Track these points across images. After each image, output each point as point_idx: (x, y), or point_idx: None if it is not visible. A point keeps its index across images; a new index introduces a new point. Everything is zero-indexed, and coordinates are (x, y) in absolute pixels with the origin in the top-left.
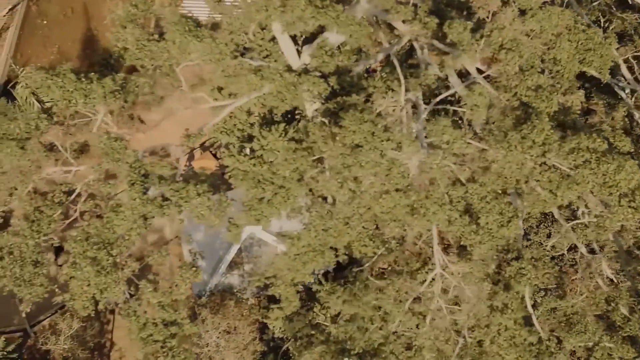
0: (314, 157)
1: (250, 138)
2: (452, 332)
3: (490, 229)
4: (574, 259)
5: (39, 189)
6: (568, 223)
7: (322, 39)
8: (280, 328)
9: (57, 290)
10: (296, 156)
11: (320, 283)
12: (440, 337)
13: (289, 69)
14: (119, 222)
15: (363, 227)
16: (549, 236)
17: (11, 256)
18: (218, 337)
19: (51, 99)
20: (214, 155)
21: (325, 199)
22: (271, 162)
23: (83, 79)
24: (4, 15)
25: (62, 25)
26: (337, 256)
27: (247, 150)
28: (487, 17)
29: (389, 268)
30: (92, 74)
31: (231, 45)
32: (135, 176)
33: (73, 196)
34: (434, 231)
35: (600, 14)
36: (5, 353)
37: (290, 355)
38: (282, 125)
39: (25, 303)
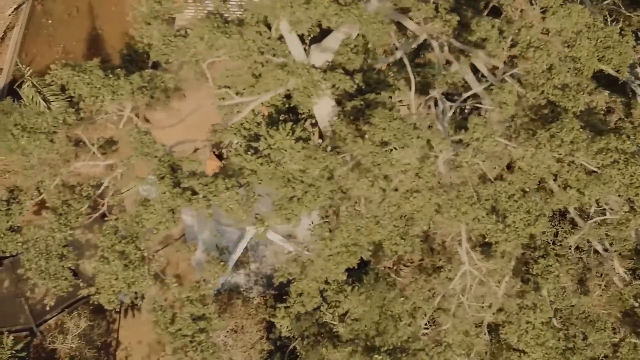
0: (343, 155)
1: (257, 137)
2: (482, 328)
3: (517, 228)
4: (580, 257)
5: (67, 183)
6: (585, 221)
7: (346, 36)
8: (287, 327)
9: (81, 284)
10: (326, 154)
11: (327, 282)
12: (471, 333)
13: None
14: (147, 215)
15: (394, 225)
16: (555, 235)
17: (37, 249)
18: (225, 336)
19: (78, 95)
20: (218, 157)
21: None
22: (278, 161)
23: (110, 75)
24: (9, 15)
25: (67, 25)
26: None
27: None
28: (515, 15)
29: (412, 265)
30: (119, 70)
31: (258, 42)
32: (164, 170)
33: (100, 190)
34: (463, 229)
35: (607, 13)
36: (14, 352)
37: (298, 354)
38: (290, 124)
39: (50, 296)
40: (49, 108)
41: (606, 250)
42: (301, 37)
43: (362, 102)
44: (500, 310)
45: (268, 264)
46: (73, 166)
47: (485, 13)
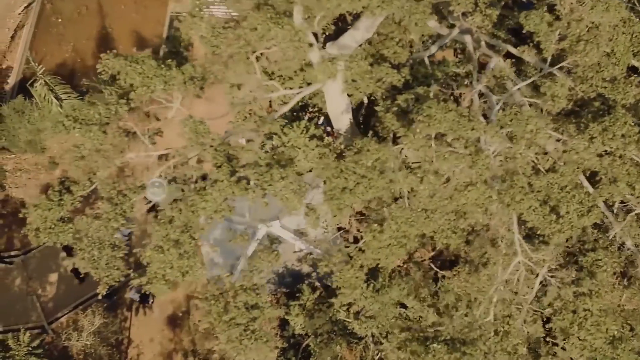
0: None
1: (270, 134)
2: (538, 316)
3: (571, 219)
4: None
5: (120, 173)
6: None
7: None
8: (300, 324)
9: (133, 274)
10: (379, 147)
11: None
12: (528, 321)
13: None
14: (203, 204)
15: (446, 219)
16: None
17: (90, 239)
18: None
19: (130, 85)
20: None
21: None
22: (291, 159)
23: (162, 66)
24: (19, 14)
25: (76, 23)
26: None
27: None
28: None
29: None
30: (169, 61)
31: (309, 33)
32: (221, 159)
33: (154, 179)
34: (514, 220)
35: None
36: (30, 348)
37: (311, 352)
38: (304, 122)
39: (102, 286)
40: (60, 106)
41: (636, 246)
42: (315, 35)
43: (412, 96)
44: (556, 298)
45: (279, 262)
46: (126, 157)
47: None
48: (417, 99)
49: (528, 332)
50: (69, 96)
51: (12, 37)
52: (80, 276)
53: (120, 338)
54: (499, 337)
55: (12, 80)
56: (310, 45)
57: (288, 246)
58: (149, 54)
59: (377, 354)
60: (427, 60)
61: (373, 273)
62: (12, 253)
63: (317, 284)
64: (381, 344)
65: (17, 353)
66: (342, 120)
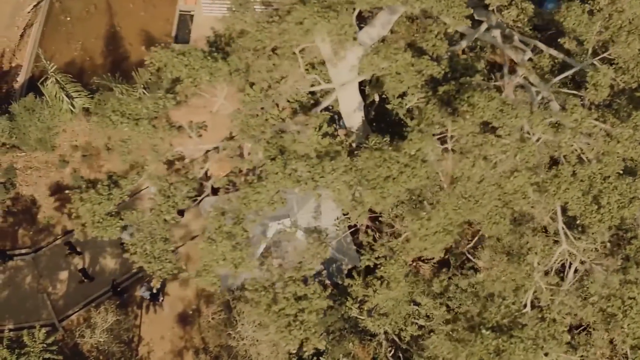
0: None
1: (281, 132)
2: (586, 303)
3: (611, 209)
4: None
5: (170, 166)
6: None
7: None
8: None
9: (183, 266)
10: (422, 135)
11: (352, 277)
12: (575, 308)
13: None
14: (255, 197)
15: (493, 205)
16: None
17: (141, 233)
18: (254, 331)
19: (176, 78)
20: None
21: None
22: (305, 156)
23: (209, 58)
24: (28, 12)
25: (85, 22)
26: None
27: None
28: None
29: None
30: (215, 53)
31: (354, 27)
32: (274, 151)
33: (203, 172)
34: (558, 209)
35: None
36: (44, 345)
37: (324, 349)
38: (317, 119)
39: (156, 279)
40: (72, 105)
41: None
42: None
43: (454, 87)
44: (603, 286)
45: (290, 260)
46: (176, 150)
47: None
48: (458, 90)
49: (572, 319)
50: (79, 94)
51: (21, 36)
52: (89, 276)
53: (131, 336)
54: (546, 324)
55: (21, 79)
56: (355, 39)
57: (299, 244)
58: (195, 47)
59: (390, 352)
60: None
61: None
62: (23, 251)
63: (327, 282)
64: (394, 341)
65: (32, 350)
66: (354, 118)
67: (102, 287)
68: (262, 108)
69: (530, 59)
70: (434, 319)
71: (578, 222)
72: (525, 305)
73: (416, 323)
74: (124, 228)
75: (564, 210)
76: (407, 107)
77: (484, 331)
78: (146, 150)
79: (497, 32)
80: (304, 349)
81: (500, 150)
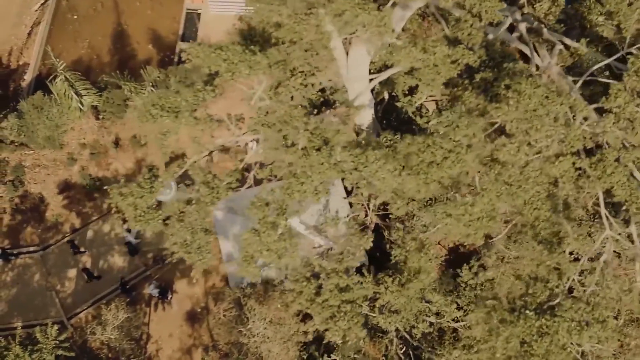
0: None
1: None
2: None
3: None
4: None
5: (213, 158)
6: None
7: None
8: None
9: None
10: (469, 121)
11: (362, 275)
12: (621, 293)
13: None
14: (298, 187)
15: (536, 190)
16: None
17: (181, 223)
18: (265, 328)
19: (215, 72)
20: None
21: None
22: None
23: (247, 51)
24: (36, 10)
25: (92, 20)
26: None
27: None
28: None
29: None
30: (252, 46)
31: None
32: (318, 142)
33: (244, 163)
34: (600, 195)
35: None
36: (57, 342)
37: (334, 345)
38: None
39: (196, 270)
40: (81, 102)
41: None
42: None
43: (491, 74)
44: None
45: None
46: (218, 141)
47: None
48: (496, 78)
49: (618, 304)
50: (88, 92)
51: (29, 34)
52: (93, 276)
53: (140, 333)
54: (590, 307)
55: (28, 77)
56: (393, 30)
57: (307, 242)
58: (233, 41)
59: (401, 349)
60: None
61: (396, 267)
62: (31, 248)
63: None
64: (405, 338)
65: (44, 346)
66: (364, 115)
67: (111, 285)
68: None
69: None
70: (444, 316)
71: (624, 207)
72: (569, 290)
73: (427, 320)
74: (128, 231)
75: (608, 196)
76: (416, 105)
77: (527, 312)
78: (186, 143)
79: (522, 26)
80: (347, 339)
81: (545, 136)
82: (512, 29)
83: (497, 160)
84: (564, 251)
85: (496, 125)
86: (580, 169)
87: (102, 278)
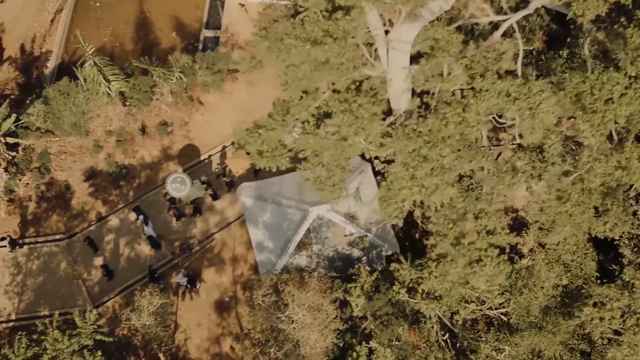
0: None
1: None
2: None
3: None
4: None
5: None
6: None
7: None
8: (361, 306)
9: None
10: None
11: (399, 262)
12: None
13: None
14: (455, 118)
15: None
16: None
17: (316, 158)
18: (304, 315)
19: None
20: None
21: None
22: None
23: None
24: None
25: (115, 8)
26: None
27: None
28: None
29: None
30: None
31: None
32: (480, 69)
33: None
34: None
35: None
36: (96, 327)
37: (371, 333)
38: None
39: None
40: (109, 88)
41: None
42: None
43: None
44: None
45: (330, 246)
46: (363, 71)
47: None
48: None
49: None
50: (116, 78)
51: (51, 21)
52: (109, 273)
53: (168, 322)
54: None
55: (51, 64)
56: None
57: (339, 229)
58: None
59: (443, 335)
60: None
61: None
62: (57, 237)
63: (367, 267)
64: (446, 325)
65: (83, 330)
66: (402, 99)
67: (138, 274)
68: None
69: None
70: (486, 303)
71: None
72: None
73: (468, 307)
74: (146, 222)
75: None
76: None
77: None
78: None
79: None
80: (491, 287)
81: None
82: None
83: None
84: None
85: None
86: None
87: (113, 277)
